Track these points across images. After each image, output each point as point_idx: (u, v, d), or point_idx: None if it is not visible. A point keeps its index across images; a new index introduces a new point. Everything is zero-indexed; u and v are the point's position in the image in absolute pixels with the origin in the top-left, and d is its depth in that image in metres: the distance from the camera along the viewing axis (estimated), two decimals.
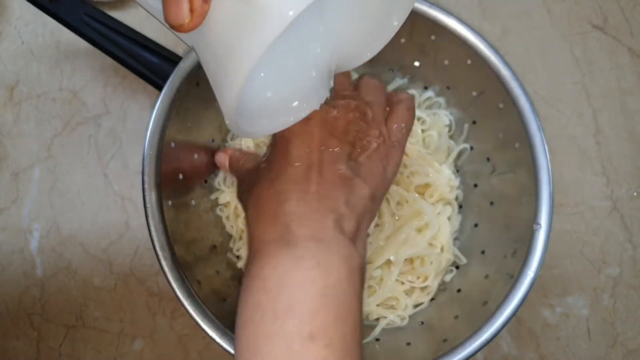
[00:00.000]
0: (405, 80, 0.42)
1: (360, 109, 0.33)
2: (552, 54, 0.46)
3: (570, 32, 0.47)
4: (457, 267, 0.39)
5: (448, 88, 0.40)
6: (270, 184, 0.31)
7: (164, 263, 0.33)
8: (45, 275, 0.43)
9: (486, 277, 0.36)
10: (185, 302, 0.33)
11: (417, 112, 0.41)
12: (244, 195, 0.34)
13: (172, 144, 0.36)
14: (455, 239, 0.40)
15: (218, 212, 0.41)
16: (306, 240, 0.28)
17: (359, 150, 0.32)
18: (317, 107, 0.30)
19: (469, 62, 0.36)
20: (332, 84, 0.31)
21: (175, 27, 0.20)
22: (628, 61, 0.46)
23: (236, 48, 0.21)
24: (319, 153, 0.31)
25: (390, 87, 0.42)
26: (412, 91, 0.41)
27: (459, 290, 0.38)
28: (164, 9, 0.20)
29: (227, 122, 0.25)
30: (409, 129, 0.35)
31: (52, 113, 0.45)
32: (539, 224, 0.33)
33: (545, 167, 0.34)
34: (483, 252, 0.38)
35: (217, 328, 0.33)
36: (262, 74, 0.26)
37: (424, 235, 0.38)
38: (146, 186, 0.33)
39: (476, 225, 0.40)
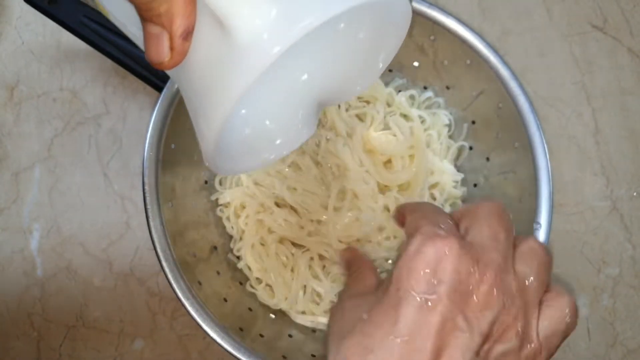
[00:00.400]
0: (404, 80, 0.42)
1: (511, 288, 0.23)
2: (552, 54, 0.46)
3: (570, 32, 0.47)
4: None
5: (447, 88, 0.40)
6: (364, 354, 0.23)
7: (164, 264, 0.33)
8: (45, 275, 0.43)
9: None
10: (186, 303, 0.33)
11: (417, 111, 0.41)
12: (332, 336, 0.28)
13: (172, 146, 0.36)
14: None
15: (218, 212, 0.41)
16: None
17: (492, 344, 0.23)
18: (301, 143, 0.28)
19: (468, 62, 0.36)
20: (318, 120, 0.29)
21: (156, 65, 0.20)
22: (628, 61, 0.46)
23: (216, 88, 0.21)
24: (441, 334, 0.22)
25: (390, 87, 0.42)
26: (411, 91, 0.41)
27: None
28: (145, 45, 0.20)
29: (205, 161, 0.24)
30: (565, 336, 0.25)
31: (52, 113, 0.45)
32: (538, 223, 0.33)
33: (544, 166, 0.34)
34: None
35: (218, 328, 0.33)
36: (242, 111, 0.26)
37: None
38: (146, 188, 0.33)
39: None
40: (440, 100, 0.41)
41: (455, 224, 0.26)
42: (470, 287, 0.22)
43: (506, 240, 0.24)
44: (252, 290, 0.39)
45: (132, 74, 0.37)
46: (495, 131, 0.38)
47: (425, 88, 0.41)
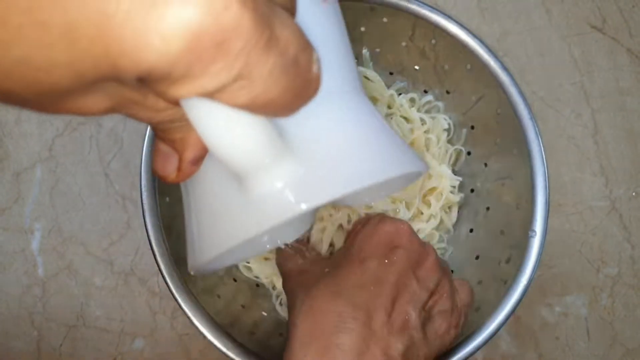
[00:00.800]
0: (405, 83, 0.42)
1: (446, 269, 0.32)
2: (551, 54, 0.46)
3: (569, 32, 0.47)
4: (451, 272, 0.40)
5: (448, 92, 0.40)
6: (332, 300, 0.28)
7: (159, 259, 0.33)
8: (46, 275, 0.43)
9: (479, 282, 0.36)
10: (180, 299, 0.33)
11: (417, 114, 0.41)
12: (300, 288, 0.31)
13: None
14: (449, 243, 0.40)
15: None
16: None
17: (434, 303, 0.30)
18: (296, 238, 0.30)
19: (468, 67, 0.36)
20: (312, 221, 0.31)
21: (159, 178, 0.20)
22: (627, 62, 0.46)
23: (221, 223, 0.21)
24: (397, 286, 0.28)
25: (391, 89, 0.42)
26: (411, 95, 0.42)
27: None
28: (153, 158, 0.20)
29: (189, 269, 0.24)
30: (467, 315, 0.33)
31: None
32: (534, 231, 0.33)
33: (542, 174, 0.34)
34: (477, 257, 0.38)
35: (214, 328, 0.33)
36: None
37: None
38: (144, 182, 0.33)
39: (472, 230, 0.40)
40: (440, 104, 0.41)
41: None
42: (420, 256, 0.30)
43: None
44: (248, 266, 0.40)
45: None
46: (494, 137, 0.38)
47: (425, 92, 0.41)
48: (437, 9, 0.36)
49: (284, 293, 0.38)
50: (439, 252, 0.40)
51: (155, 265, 0.33)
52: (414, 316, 0.28)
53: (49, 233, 0.44)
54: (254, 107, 0.15)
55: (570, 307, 0.43)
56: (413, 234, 0.31)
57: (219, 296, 0.37)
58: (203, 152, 0.19)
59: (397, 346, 0.27)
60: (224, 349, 0.33)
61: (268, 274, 0.40)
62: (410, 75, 0.41)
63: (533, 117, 0.34)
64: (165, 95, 0.14)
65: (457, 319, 0.31)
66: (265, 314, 0.39)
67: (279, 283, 0.39)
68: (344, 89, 0.23)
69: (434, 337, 0.29)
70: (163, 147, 0.19)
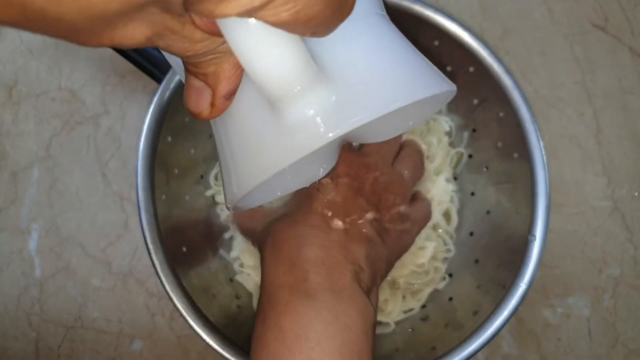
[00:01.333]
0: None
1: (392, 179, 0.35)
2: (553, 53, 0.46)
3: (571, 31, 0.46)
4: (450, 275, 0.39)
5: None
6: (291, 227, 0.31)
7: (154, 256, 0.33)
8: (44, 275, 0.43)
9: (478, 286, 0.36)
10: (175, 298, 0.33)
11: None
12: (259, 234, 0.33)
13: (169, 139, 0.35)
14: (449, 250, 0.40)
15: (218, 210, 0.40)
16: (324, 289, 0.28)
17: (383, 213, 0.33)
18: (322, 176, 0.31)
19: (471, 69, 0.36)
20: (338, 154, 0.31)
21: (193, 114, 0.20)
22: (629, 61, 0.46)
23: (255, 154, 0.21)
24: (346, 207, 0.31)
25: None
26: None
27: (450, 299, 0.38)
28: (185, 94, 0.20)
29: (226, 205, 0.25)
30: (426, 222, 0.39)
31: (51, 113, 0.45)
32: (534, 235, 0.33)
33: (543, 179, 0.33)
34: (477, 261, 0.38)
35: (210, 328, 0.33)
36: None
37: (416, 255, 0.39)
38: (140, 179, 0.33)
39: (471, 233, 0.39)
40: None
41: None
42: (362, 178, 0.33)
43: (389, 148, 0.37)
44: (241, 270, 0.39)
45: (134, 65, 0.37)
46: (495, 140, 0.37)
47: None
48: (441, 11, 0.35)
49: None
50: (443, 255, 0.40)
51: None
52: (367, 228, 0.31)
53: (46, 233, 0.43)
54: (296, 24, 0.15)
55: (573, 308, 0.42)
56: (350, 157, 0.33)
57: (214, 295, 0.36)
58: (236, 85, 0.19)
59: (358, 250, 0.30)
60: (220, 350, 0.32)
61: None
62: None
63: (535, 121, 0.34)
64: (212, 14, 0.14)
65: (410, 227, 0.35)
66: None
67: None
68: (370, 11, 0.23)
69: (391, 242, 0.33)
70: (196, 82, 0.19)
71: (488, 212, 0.38)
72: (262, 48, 0.16)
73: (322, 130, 0.19)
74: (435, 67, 0.25)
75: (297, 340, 0.26)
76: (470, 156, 0.40)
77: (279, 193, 0.29)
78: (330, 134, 0.19)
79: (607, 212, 0.44)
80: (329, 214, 0.31)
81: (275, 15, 0.15)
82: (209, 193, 0.40)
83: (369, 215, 0.32)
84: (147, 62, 0.36)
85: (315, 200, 0.32)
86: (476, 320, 0.33)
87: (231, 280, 0.39)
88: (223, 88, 0.19)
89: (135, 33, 0.15)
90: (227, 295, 0.38)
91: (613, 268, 0.43)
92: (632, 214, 0.43)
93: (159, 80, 0.35)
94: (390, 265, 0.34)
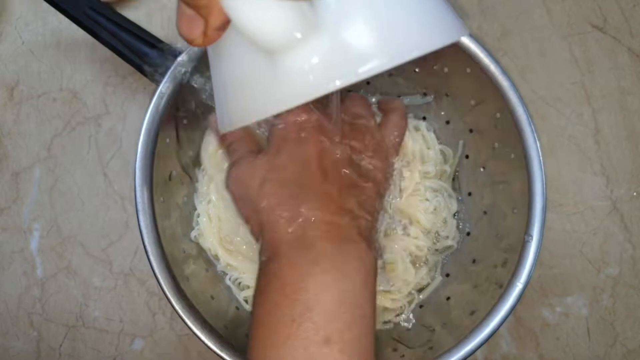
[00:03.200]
0: (406, 85, 0.42)
1: (354, 118, 0.34)
2: (552, 54, 0.46)
3: (570, 32, 0.47)
4: (447, 275, 0.39)
5: (447, 95, 0.40)
6: (282, 185, 0.30)
7: (152, 258, 0.33)
8: (45, 275, 0.43)
9: (475, 286, 0.36)
10: (173, 300, 0.33)
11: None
12: (248, 189, 0.32)
13: (167, 140, 0.35)
14: (448, 247, 0.40)
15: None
16: (323, 241, 0.28)
17: (358, 153, 0.33)
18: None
19: (468, 70, 0.36)
20: None
21: (186, 40, 0.20)
22: (627, 61, 0.46)
23: (248, 97, 0.21)
24: (322, 155, 0.31)
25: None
26: (406, 99, 0.42)
27: (448, 298, 0.38)
28: (177, 19, 0.20)
29: (220, 130, 0.24)
30: (402, 135, 0.37)
31: (52, 113, 0.45)
32: (530, 235, 0.33)
33: (539, 179, 0.34)
34: (474, 260, 0.38)
35: (209, 329, 0.33)
36: None
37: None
38: (138, 181, 0.33)
39: (468, 233, 0.40)
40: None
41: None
42: (325, 126, 0.32)
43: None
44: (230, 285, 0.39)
45: (134, 67, 0.37)
46: (492, 141, 0.38)
47: (424, 94, 0.41)
48: None
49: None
50: (447, 250, 0.40)
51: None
52: (349, 171, 0.31)
53: (47, 233, 0.44)
54: None
55: (571, 308, 0.42)
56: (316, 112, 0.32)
57: (212, 297, 0.37)
58: (228, 18, 0.19)
59: (351, 198, 0.30)
60: (217, 351, 0.32)
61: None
62: (409, 78, 0.41)
63: (532, 122, 0.34)
64: None
65: (384, 155, 0.34)
66: None
67: None
68: None
69: (375, 178, 0.32)
70: (188, 11, 0.19)
71: (485, 212, 0.38)
72: (248, 4, 0.16)
73: (327, 77, 0.18)
74: (447, 8, 0.23)
75: (297, 290, 0.27)
76: (467, 156, 0.40)
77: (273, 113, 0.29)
78: (338, 82, 0.18)
79: (606, 212, 0.44)
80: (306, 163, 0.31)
81: None
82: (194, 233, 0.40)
83: (344, 157, 0.32)
84: (146, 64, 0.36)
85: (291, 145, 0.31)
86: (473, 320, 0.33)
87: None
88: (215, 20, 0.19)
89: None
90: (225, 297, 0.38)
91: (612, 268, 0.43)
92: (630, 214, 0.44)
93: (157, 82, 0.35)
94: (382, 199, 0.34)
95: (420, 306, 0.39)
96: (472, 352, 0.32)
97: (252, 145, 0.35)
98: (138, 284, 0.43)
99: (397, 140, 0.37)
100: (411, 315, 0.38)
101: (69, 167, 0.44)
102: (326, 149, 0.31)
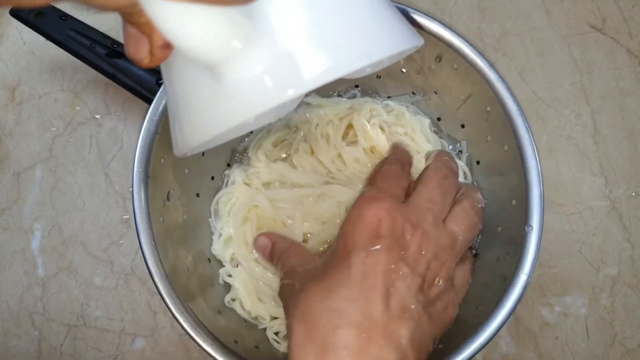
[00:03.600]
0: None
1: (441, 242, 0.30)
2: (551, 54, 0.46)
3: (569, 32, 0.47)
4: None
5: (436, 92, 0.40)
6: (324, 296, 0.27)
7: (157, 280, 0.33)
8: (46, 274, 0.43)
9: (479, 280, 0.36)
10: (180, 318, 0.33)
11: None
12: (291, 296, 0.29)
13: (162, 161, 0.35)
14: None
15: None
16: None
17: (429, 284, 0.29)
18: (285, 114, 0.28)
19: (455, 66, 0.36)
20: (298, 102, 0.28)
21: (134, 61, 0.20)
22: (626, 62, 0.46)
23: (197, 116, 0.20)
24: (388, 275, 0.27)
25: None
26: (395, 100, 0.41)
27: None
28: (124, 41, 0.19)
29: (175, 154, 0.23)
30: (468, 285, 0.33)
31: (53, 113, 0.46)
32: (530, 225, 0.33)
33: (534, 168, 0.34)
34: (476, 255, 0.38)
35: (212, 341, 0.33)
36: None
37: None
38: (136, 204, 0.33)
39: None
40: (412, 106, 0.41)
41: (409, 185, 0.32)
42: (406, 240, 0.28)
43: (442, 201, 0.31)
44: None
45: (122, 87, 0.37)
46: (484, 134, 0.38)
47: (413, 93, 0.41)
48: (419, 10, 0.35)
49: (276, 326, 0.38)
50: None
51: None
52: (412, 300, 0.27)
53: (49, 233, 0.44)
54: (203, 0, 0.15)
55: (570, 307, 0.43)
56: (395, 211, 0.28)
57: (219, 312, 0.36)
58: None
59: (402, 332, 0.26)
60: (214, 354, 0.32)
61: (262, 314, 0.38)
62: (396, 78, 0.41)
63: (522, 112, 0.34)
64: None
65: (454, 296, 0.30)
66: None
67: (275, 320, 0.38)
68: None
69: (437, 316, 0.29)
70: (132, 31, 0.19)
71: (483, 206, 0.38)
72: (177, 20, 0.16)
73: (275, 87, 0.18)
74: (401, 17, 0.23)
75: None
76: (460, 152, 0.40)
77: (233, 137, 0.27)
78: (290, 92, 0.18)
79: (605, 212, 0.44)
80: (370, 282, 0.27)
81: None
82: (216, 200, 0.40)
83: (414, 286, 0.27)
84: (135, 83, 0.36)
85: (352, 264, 0.27)
86: (479, 314, 0.33)
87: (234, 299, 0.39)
88: (159, 38, 0.18)
89: None
90: (232, 311, 0.38)
91: (611, 267, 0.43)
92: (629, 214, 0.44)
93: (148, 101, 0.35)
94: (435, 343, 0.29)
95: None
96: (483, 346, 0.31)
97: (302, 255, 0.33)
98: (139, 284, 0.43)
99: (464, 285, 0.33)
100: None
101: (70, 167, 0.45)
102: (391, 261, 0.27)
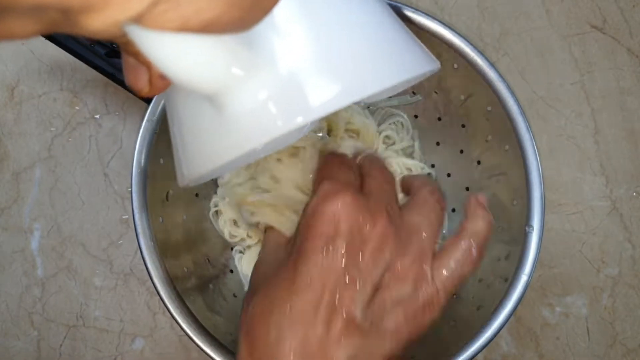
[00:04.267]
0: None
1: (402, 238, 0.26)
2: (551, 54, 0.46)
3: (569, 32, 0.47)
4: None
5: (436, 92, 0.40)
6: (268, 309, 0.25)
7: (156, 281, 0.33)
8: (45, 274, 0.43)
9: (480, 281, 0.36)
10: (179, 318, 0.33)
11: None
12: (246, 300, 0.27)
13: (161, 161, 0.35)
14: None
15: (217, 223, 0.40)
16: None
17: (387, 289, 0.25)
18: (294, 140, 0.26)
19: (455, 66, 0.36)
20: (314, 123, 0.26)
21: (134, 91, 0.19)
22: (627, 61, 0.46)
23: (200, 146, 0.19)
24: (335, 286, 0.24)
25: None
26: (395, 100, 0.41)
27: (453, 295, 0.38)
28: (123, 70, 0.19)
29: (179, 184, 0.22)
30: (463, 277, 0.26)
31: (52, 113, 0.45)
32: (531, 226, 0.33)
33: (535, 168, 0.33)
34: None
35: (204, 333, 0.33)
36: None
37: None
38: (135, 204, 0.33)
39: None
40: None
41: (358, 172, 0.29)
42: (364, 240, 0.24)
43: (391, 190, 0.27)
44: None
45: (120, 86, 0.37)
46: (485, 134, 0.38)
47: (414, 93, 0.41)
48: (420, 10, 0.35)
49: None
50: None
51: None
52: (357, 316, 0.24)
53: (48, 233, 0.44)
54: (194, 30, 0.14)
55: (571, 307, 0.43)
56: (356, 206, 0.25)
57: (218, 312, 0.36)
58: None
59: (344, 351, 0.23)
60: (213, 355, 0.32)
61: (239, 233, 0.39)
62: None
63: (523, 112, 0.34)
64: (86, 28, 0.13)
65: (431, 297, 0.25)
66: None
67: None
68: None
69: (395, 334, 0.24)
70: (131, 60, 0.18)
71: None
72: (171, 53, 0.15)
73: (279, 115, 0.17)
74: (415, 40, 0.21)
75: None
76: (461, 151, 0.40)
77: (241, 164, 0.26)
78: (287, 124, 0.17)
79: (606, 212, 0.44)
80: (313, 296, 0.24)
81: (162, 25, 0.13)
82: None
83: (365, 296, 0.24)
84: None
85: (299, 273, 0.24)
86: (481, 315, 0.33)
87: (235, 296, 0.39)
88: (157, 67, 0.18)
89: (22, 28, 0.13)
90: (231, 310, 0.38)
91: (611, 267, 0.43)
92: (630, 214, 0.44)
93: (147, 101, 0.35)
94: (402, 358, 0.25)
95: None
96: (483, 348, 0.31)
97: (278, 239, 0.31)
98: (138, 284, 0.43)
99: (450, 285, 0.26)
100: None
101: (70, 167, 0.45)
102: (342, 270, 0.24)
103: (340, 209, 0.24)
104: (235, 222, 0.40)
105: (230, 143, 0.18)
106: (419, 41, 0.22)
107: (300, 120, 0.17)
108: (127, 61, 0.18)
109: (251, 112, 0.17)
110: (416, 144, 0.42)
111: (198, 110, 0.19)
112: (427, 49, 0.22)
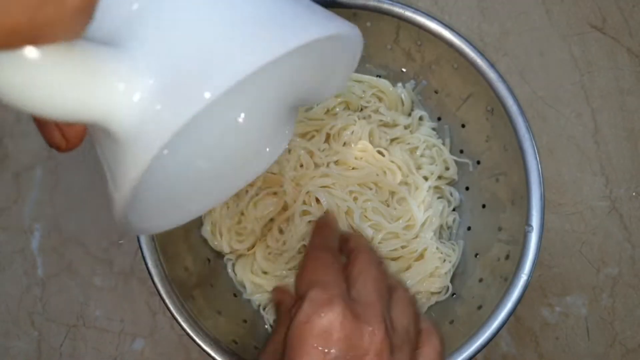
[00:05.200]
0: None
1: (396, 341, 0.24)
2: (551, 54, 0.46)
3: (569, 32, 0.47)
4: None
5: (436, 92, 0.40)
6: None
7: (157, 280, 0.33)
8: (46, 274, 0.43)
9: (480, 280, 0.36)
10: (180, 319, 0.33)
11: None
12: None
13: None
14: (449, 240, 0.40)
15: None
16: None
17: None
18: (259, 173, 0.25)
19: (455, 66, 0.36)
20: (293, 125, 0.24)
21: (55, 149, 0.18)
22: (627, 61, 0.46)
23: (115, 169, 0.18)
24: None
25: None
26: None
27: (453, 295, 0.38)
28: (39, 130, 0.18)
29: (115, 219, 0.20)
30: None
31: None
32: (530, 225, 0.33)
33: (535, 168, 0.33)
34: (477, 255, 0.38)
35: (211, 342, 0.33)
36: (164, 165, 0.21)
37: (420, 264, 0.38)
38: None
39: (469, 228, 0.40)
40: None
41: (345, 274, 0.27)
42: (361, 348, 0.23)
43: (386, 291, 0.26)
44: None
45: None
46: (485, 134, 0.38)
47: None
48: (420, 10, 0.35)
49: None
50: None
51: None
52: None
53: (48, 233, 0.44)
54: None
55: (571, 307, 0.43)
56: (348, 317, 0.23)
57: (219, 312, 0.36)
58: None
59: None
60: (214, 354, 0.32)
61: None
62: (397, 78, 0.41)
63: (523, 112, 0.34)
64: None
65: None
66: (269, 328, 0.39)
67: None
68: None
69: None
70: (40, 118, 0.17)
71: (484, 206, 0.38)
72: (5, 79, 0.13)
73: (151, 138, 0.16)
74: (313, 6, 0.19)
75: None
76: (461, 151, 0.40)
77: (214, 199, 0.24)
78: (160, 140, 0.15)
79: (605, 212, 0.44)
80: None
81: None
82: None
83: None
84: None
85: (302, 345, 0.23)
86: (481, 314, 0.33)
87: (235, 295, 0.39)
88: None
89: None
90: (232, 311, 0.38)
91: (611, 267, 0.43)
92: (630, 214, 0.44)
93: None
94: None
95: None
96: (484, 346, 0.31)
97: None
98: (139, 284, 0.43)
99: None
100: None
101: (70, 167, 0.45)
102: None
103: (333, 320, 0.23)
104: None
105: (127, 165, 0.17)
106: (321, 8, 0.20)
107: (191, 110, 0.15)
108: (38, 120, 0.17)
109: (142, 120, 0.16)
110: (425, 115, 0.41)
111: (105, 148, 0.18)
112: (339, 17, 0.20)
